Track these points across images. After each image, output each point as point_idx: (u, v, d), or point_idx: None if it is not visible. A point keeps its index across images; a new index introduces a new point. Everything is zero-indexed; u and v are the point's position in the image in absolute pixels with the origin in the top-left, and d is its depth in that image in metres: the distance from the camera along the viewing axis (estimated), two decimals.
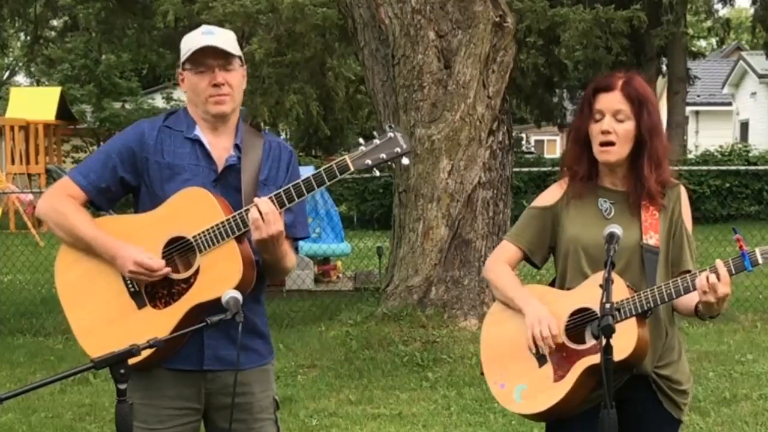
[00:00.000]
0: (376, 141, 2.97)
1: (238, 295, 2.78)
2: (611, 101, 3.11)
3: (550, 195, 3.28)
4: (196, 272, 3.02)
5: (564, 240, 3.19)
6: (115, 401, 2.52)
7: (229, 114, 3.16)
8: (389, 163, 2.98)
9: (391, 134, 2.97)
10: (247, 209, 2.98)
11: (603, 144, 3.11)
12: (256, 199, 2.97)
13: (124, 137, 3.21)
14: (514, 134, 10.17)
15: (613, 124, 3.10)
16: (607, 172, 3.20)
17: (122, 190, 3.20)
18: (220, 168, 3.14)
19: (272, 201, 2.99)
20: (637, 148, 3.13)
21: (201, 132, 3.16)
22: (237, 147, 3.17)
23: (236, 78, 3.14)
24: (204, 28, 3.19)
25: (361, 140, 3.00)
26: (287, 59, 16.80)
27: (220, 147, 3.16)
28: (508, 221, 8.51)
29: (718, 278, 2.89)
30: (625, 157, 3.14)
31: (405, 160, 3.00)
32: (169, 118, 3.23)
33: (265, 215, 2.92)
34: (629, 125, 3.11)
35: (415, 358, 7.56)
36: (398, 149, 2.96)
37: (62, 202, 3.14)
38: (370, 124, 26.62)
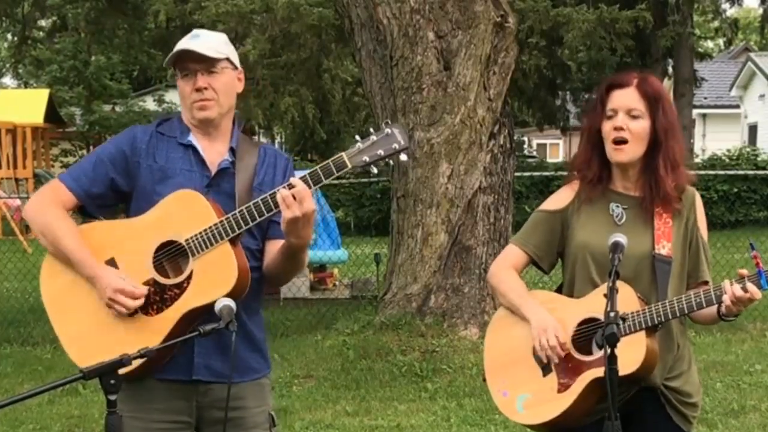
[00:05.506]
0: (373, 137, 2.92)
1: (231, 303, 2.74)
2: (626, 98, 3.04)
3: (560, 198, 3.22)
4: (189, 277, 2.97)
5: (573, 246, 3.13)
6: (105, 413, 2.49)
7: (216, 119, 3.11)
8: (387, 160, 2.92)
9: (388, 130, 2.91)
10: (241, 210, 2.93)
11: (616, 141, 3.03)
12: (292, 179, 2.89)
13: (116, 141, 3.18)
14: (515, 137, 10.10)
15: (627, 121, 3.03)
16: (619, 174, 3.12)
17: (114, 196, 3.14)
18: (213, 173, 3.10)
19: (269, 199, 2.91)
20: (651, 150, 3.05)
21: (194, 138, 3.13)
22: (232, 150, 3.13)
23: (221, 81, 3.08)
24: (193, 32, 3.17)
25: (357, 137, 2.94)
26: (282, 60, 16.71)
27: (214, 152, 3.12)
28: (509, 227, 8.51)
29: (745, 291, 2.88)
30: (638, 159, 3.06)
31: (403, 157, 2.94)
32: (163, 124, 3.20)
33: (297, 192, 2.83)
34: (644, 123, 3.03)
35: (414, 368, 7.51)
36: (396, 145, 2.90)
37: (49, 209, 3.07)
38: (368, 127, 26.55)
